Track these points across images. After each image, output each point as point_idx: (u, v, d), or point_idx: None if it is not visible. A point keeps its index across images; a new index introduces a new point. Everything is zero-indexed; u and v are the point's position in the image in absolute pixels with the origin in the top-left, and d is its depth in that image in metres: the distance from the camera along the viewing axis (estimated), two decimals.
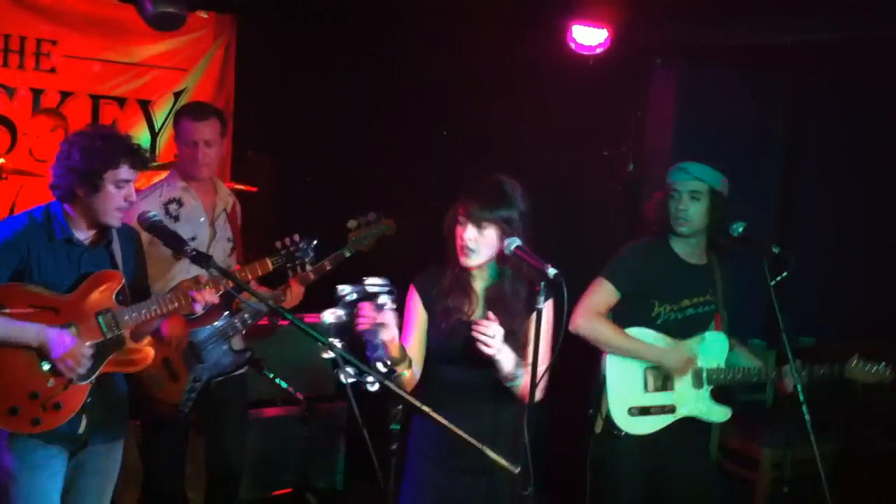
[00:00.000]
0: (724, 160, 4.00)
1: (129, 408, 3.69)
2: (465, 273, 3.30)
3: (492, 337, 3.07)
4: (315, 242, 4.14)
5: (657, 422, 3.95)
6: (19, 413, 3.24)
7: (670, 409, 3.98)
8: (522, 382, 3.19)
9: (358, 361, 2.74)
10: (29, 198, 5.87)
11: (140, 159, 3.36)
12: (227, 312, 4.28)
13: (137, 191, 3.47)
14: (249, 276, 4.01)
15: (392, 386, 2.72)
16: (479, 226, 3.21)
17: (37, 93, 6.88)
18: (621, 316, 4.00)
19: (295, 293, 4.27)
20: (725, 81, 5.44)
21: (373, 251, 4.41)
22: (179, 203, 4.35)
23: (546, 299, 3.13)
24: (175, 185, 4.39)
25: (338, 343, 2.75)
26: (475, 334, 3.07)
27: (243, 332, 4.35)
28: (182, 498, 4.71)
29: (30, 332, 3.22)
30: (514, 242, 3.14)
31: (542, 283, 3.01)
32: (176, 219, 4.30)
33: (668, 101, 5.44)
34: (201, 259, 3.22)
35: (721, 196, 3.94)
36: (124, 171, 3.29)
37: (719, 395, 4.08)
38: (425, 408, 2.73)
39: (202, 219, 4.39)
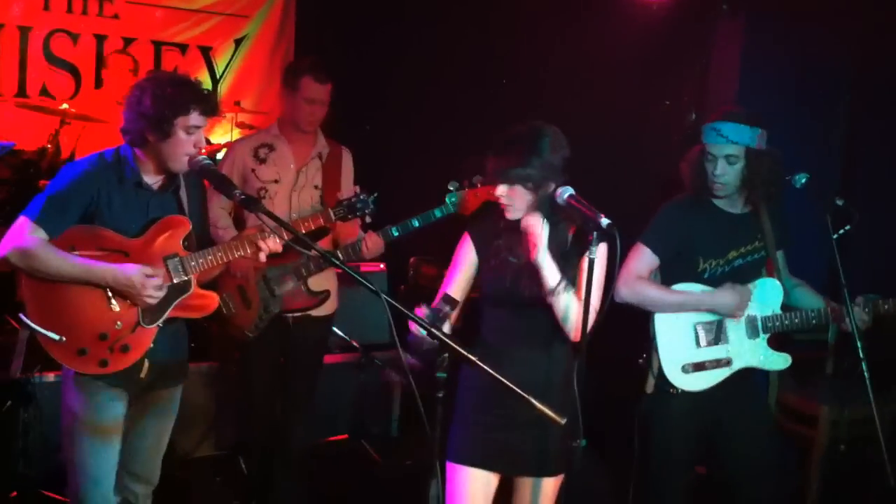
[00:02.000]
0: (790, 111, 3.88)
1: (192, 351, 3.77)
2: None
3: (537, 234, 3.11)
4: (375, 195, 4.13)
5: (713, 376, 3.89)
6: (88, 354, 3.31)
7: (726, 363, 3.91)
8: (563, 302, 3.19)
9: (410, 313, 2.75)
10: (89, 143, 5.97)
11: (211, 106, 3.37)
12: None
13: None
14: (303, 227, 4.03)
15: (441, 335, 2.72)
16: (506, 181, 3.21)
17: (100, 39, 6.99)
18: (667, 276, 3.92)
19: (372, 246, 4.27)
20: (792, 30, 5.26)
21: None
22: (271, 148, 4.53)
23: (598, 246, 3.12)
24: (270, 132, 4.61)
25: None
26: (522, 226, 3.11)
27: (317, 273, 4.36)
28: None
29: (103, 270, 3.27)
30: (567, 191, 3.12)
31: (595, 233, 2.98)
32: (263, 161, 4.49)
33: (733, 50, 5.28)
34: (249, 203, 3.24)
35: (759, 152, 3.79)
36: (195, 118, 3.31)
37: (777, 342, 3.99)
38: (473, 357, 2.72)
39: (291, 165, 4.52)
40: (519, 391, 2.71)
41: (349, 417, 5.74)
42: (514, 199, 3.22)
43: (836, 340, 4.83)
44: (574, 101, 5.43)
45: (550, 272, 3.17)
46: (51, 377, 4.74)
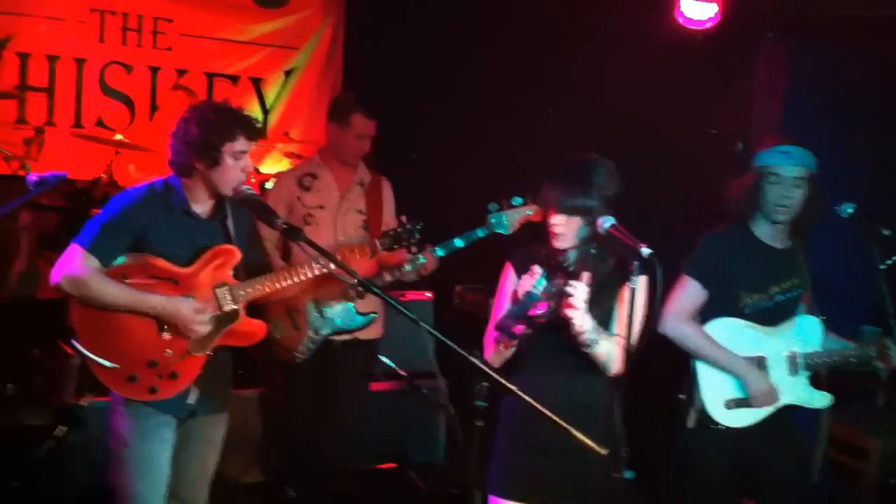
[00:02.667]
0: (836, 138, 3.85)
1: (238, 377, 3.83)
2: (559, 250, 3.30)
3: (577, 298, 3.07)
4: (420, 225, 4.17)
5: (757, 413, 3.83)
6: (137, 381, 3.38)
7: None
8: (604, 351, 3.18)
9: (449, 341, 2.77)
10: (143, 173, 6.11)
11: (255, 130, 3.45)
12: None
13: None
14: (349, 256, 4.09)
15: (478, 362, 2.73)
16: (565, 212, 3.22)
17: (154, 70, 7.14)
18: (707, 307, 3.87)
19: (430, 267, 4.34)
20: (838, 56, 5.22)
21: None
22: (314, 176, 4.67)
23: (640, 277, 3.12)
24: (313, 162, 4.77)
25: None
26: (563, 289, 3.08)
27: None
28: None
29: (152, 300, 3.35)
30: (609, 221, 3.12)
31: (636, 263, 2.98)
32: (307, 189, 4.64)
33: (778, 77, 5.25)
34: (291, 232, 3.31)
35: (816, 182, 3.79)
36: (241, 143, 3.38)
37: (819, 380, 3.94)
38: (512, 386, 2.73)
39: (334, 191, 4.66)
40: (559, 421, 2.71)
41: (395, 445, 5.76)
42: (568, 228, 3.23)
43: (887, 371, 4.76)
44: (618, 129, 5.43)
45: (585, 326, 3.13)
46: (101, 402, 4.82)
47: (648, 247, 2.97)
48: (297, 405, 4.68)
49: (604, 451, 2.76)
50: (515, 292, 3.15)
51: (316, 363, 4.47)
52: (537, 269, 3.09)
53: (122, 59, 7.02)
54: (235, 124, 3.37)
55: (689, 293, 3.84)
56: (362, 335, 4.57)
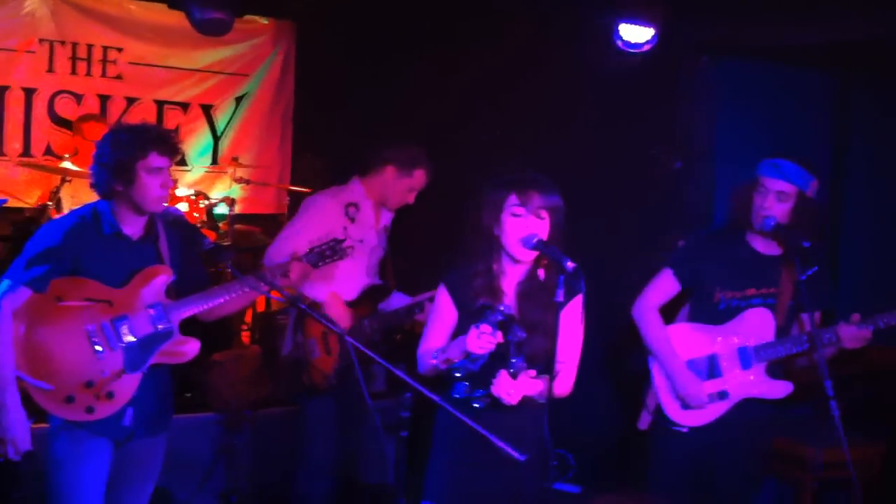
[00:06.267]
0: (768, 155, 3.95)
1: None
2: (496, 271, 3.34)
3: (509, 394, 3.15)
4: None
5: (712, 411, 3.92)
6: (75, 401, 3.39)
7: (723, 396, 3.94)
8: (540, 392, 3.22)
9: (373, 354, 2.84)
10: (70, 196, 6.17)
11: (168, 146, 3.49)
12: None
13: None
14: None
15: (405, 377, 2.80)
16: (538, 216, 3.26)
17: (104, 99, 7.16)
18: (685, 300, 4.07)
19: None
20: (771, 79, 5.40)
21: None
22: (357, 207, 4.69)
23: (574, 294, 3.20)
24: (356, 191, 4.74)
25: None
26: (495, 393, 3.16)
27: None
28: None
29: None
30: (534, 237, 3.19)
31: (562, 277, 3.06)
32: (352, 220, 4.65)
33: (713, 99, 5.41)
34: (217, 252, 3.40)
35: (808, 199, 3.86)
36: (154, 159, 3.42)
37: (781, 370, 3.98)
38: (436, 398, 2.79)
39: (372, 229, 4.73)
40: (478, 428, 2.77)
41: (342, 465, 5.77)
42: (539, 235, 3.24)
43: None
44: (558, 152, 5.55)
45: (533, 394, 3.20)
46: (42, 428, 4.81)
47: (573, 262, 3.05)
48: (321, 428, 4.71)
49: (521, 458, 2.80)
50: (463, 341, 3.15)
51: (342, 385, 4.53)
52: (487, 335, 3.09)
53: (72, 87, 7.04)
54: (147, 141, 3.42)
55: (662, 284, 4.03)
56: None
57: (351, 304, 4.59)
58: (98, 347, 3.42)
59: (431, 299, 4.40)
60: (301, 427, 4.85)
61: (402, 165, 4.69)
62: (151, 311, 3.49)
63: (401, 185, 4.70)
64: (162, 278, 3.54)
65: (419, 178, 4.70)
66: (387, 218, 4.86)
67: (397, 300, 4.80)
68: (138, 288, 3.49)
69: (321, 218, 4.57)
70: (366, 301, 4.66)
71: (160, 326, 3.50)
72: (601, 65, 5.49)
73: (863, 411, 4.94)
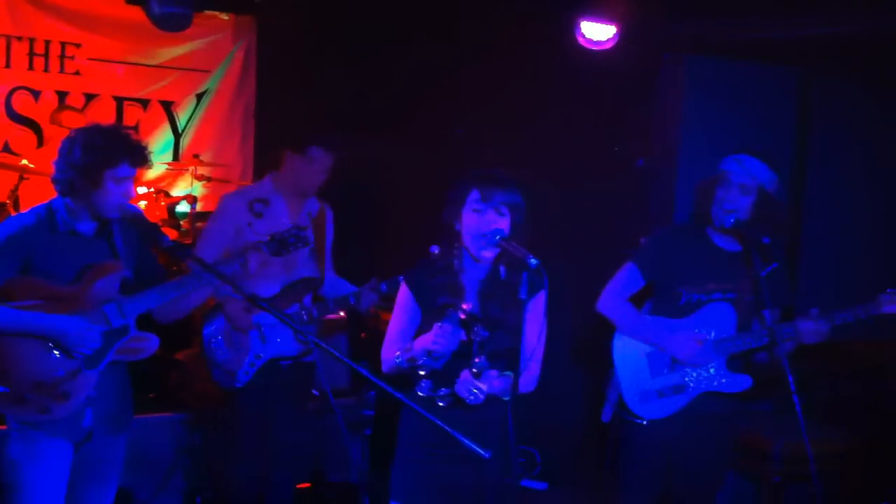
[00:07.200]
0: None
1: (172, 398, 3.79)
2: (457, 268, 3.33)
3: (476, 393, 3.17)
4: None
5: (673, 403, 3.94)
6: (29, 402, 3.35)
7: (683, 389, 3.97)
8: (505, 390, 3.23)
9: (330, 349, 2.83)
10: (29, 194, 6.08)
11: (140, 157, 3.45)
12: (297, 304, 4.52)
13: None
14: None
15: (369, 375, 2.78)
16: (499, 212, 3.25)
17: (62, 95, 7.07)
18: (648, 294, 4.08)
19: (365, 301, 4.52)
20: (734, 76, 5.43)
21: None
22: (265, 203, 4.60)
23: (537, 291, 3.20)
24: (264, 187, 4.67)
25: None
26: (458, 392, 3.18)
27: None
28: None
29: (42, 321, 3.33)
30: (498, 233, 3.19)
31: (525, 274, 3.05)
32: (259, 215, 4.55)
33: (676, 97, 5.43)
34: (177, 250, 3.35)
35: (770, 196, 3.89)
36: (123, 169, 3.39)
37: (741, 364, 4.00)
38: (399, 395, 2.78)
39: (285, 220, 4.59)
40: (445, 427, 2.76)
41: (309, 464, 5.74)
42: (501, 231, 3.23)
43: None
44: (523, 149, 5.56)
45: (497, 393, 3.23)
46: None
47: (536, 258, 3.04)
48: (241, 428, 4.62)
49: (485, 455, 2.78)
50: (426, 339, 3.16)
51: (259, 385, 4.46)
52: (449, 334, 3.11)
53: (30, 84, 6.95)
54: (120, 150, 3.39)
55: (626, 278, 4.04)
56: (307, 358, 4.58)
57: (274, 298, 4.45)
58: (52, 346, 3.37)
59: (376, 289, 4.42)
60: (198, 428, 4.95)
61: (295, 148, 4.63)
62: (105, 308, 3.44)
63: (304, 168, 4.60)
64: (113, 273, 3.49)
65: (319, 156, 4.59)
66: (312, 206, 4.75)
67: (340, 287, 4.76)
68: (90, 284, 3.44)
69: (224, 217, 4.58)
70: (290, 295, 4.52)
71: (115, 322, 3.46)
72: (568, 63, 5.50)
73: (849, 406, 5.01)
